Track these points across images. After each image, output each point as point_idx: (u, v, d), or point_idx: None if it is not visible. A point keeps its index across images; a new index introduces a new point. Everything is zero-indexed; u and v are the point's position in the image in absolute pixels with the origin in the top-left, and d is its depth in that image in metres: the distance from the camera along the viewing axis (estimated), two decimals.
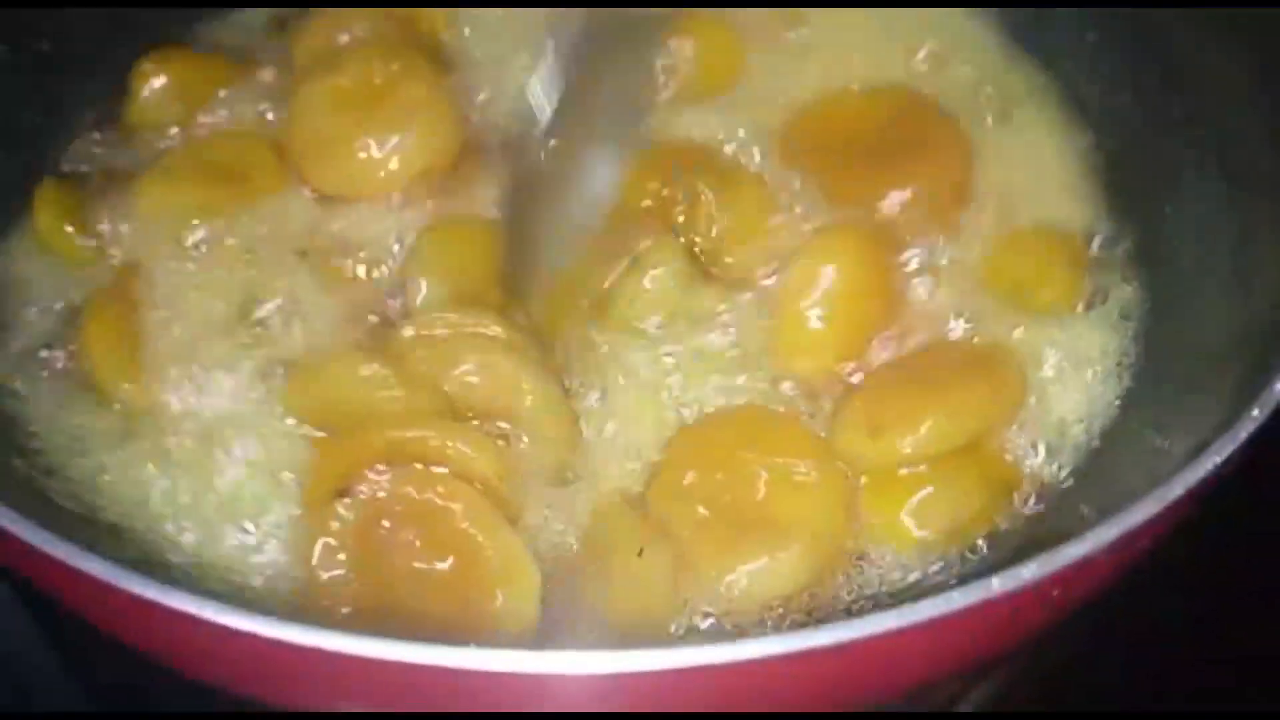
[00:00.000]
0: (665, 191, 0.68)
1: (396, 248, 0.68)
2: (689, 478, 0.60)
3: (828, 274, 0.64)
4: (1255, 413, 0.48)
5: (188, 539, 0.59)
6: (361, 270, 0.67)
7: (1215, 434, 0.48)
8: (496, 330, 0.61)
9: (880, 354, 0.64)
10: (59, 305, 0.68)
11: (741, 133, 0.73)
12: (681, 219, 0.67)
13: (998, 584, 0.42)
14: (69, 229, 0.70)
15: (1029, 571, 0.43)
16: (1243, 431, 0.48)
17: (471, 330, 0.61)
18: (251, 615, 0.41)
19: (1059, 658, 0.66)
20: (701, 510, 0.59)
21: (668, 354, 0.65)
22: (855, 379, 0.63)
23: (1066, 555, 0.43)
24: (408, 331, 0.61)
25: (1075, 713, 0.68)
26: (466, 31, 0.80)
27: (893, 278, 0.66)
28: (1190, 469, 0.47)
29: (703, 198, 0.67)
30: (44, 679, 0.72)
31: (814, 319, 0.64)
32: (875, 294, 0.65)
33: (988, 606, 0.42)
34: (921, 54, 0.78)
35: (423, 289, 0.65)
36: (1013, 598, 0.43)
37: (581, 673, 0.41)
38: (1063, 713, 0.68)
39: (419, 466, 0.57)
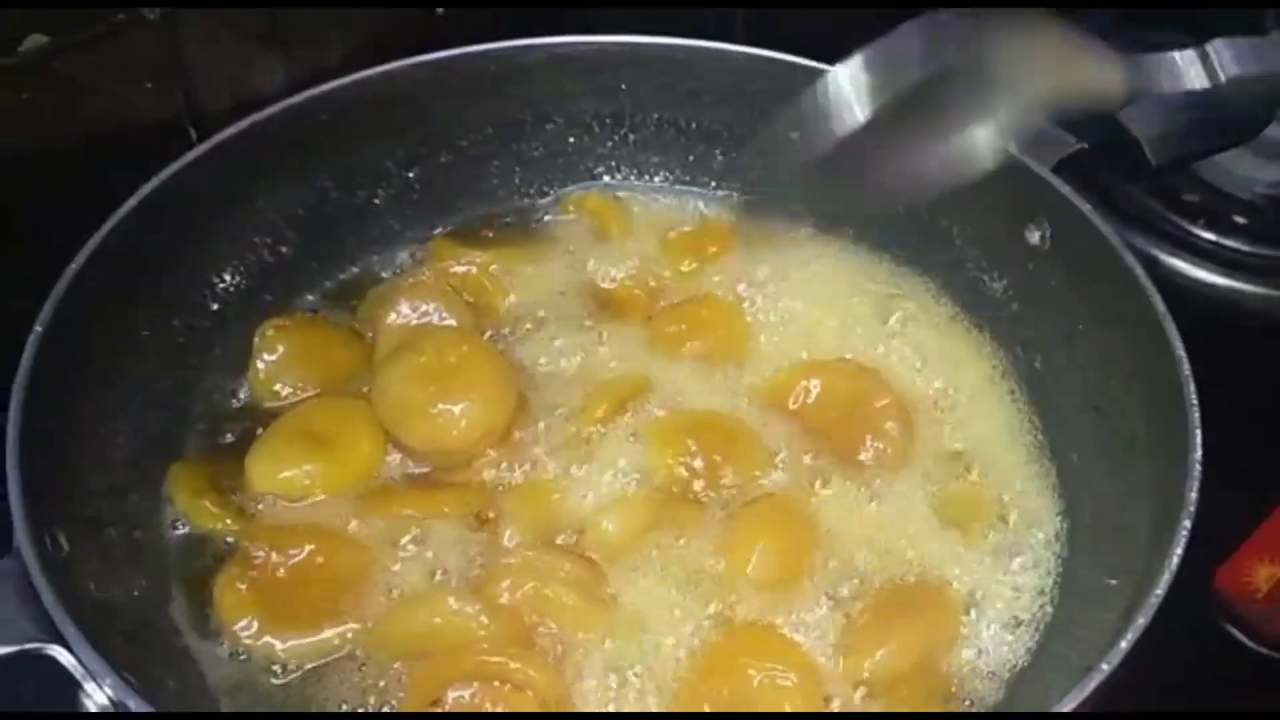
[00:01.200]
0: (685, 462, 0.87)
1: None
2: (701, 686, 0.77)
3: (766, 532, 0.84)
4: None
5: None
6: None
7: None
8: (567, 569, 0.79)
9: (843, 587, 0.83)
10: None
11: (741, 402, 0.93)
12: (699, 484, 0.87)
13: None
14: (202, 506, 0.84)
15: None
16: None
17: (547, 567, 0.79)
18: None
19: None
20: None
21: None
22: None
23: None
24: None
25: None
26: (512, 298, 1.02)
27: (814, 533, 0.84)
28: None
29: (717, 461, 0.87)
30: None
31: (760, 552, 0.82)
32: (794, 547, 0.84)
33: None
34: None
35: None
36: None
37: None
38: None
39: (495, 684, 0.74)
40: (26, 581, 0.65)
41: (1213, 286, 1.16)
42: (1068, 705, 0.61)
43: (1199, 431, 0.74)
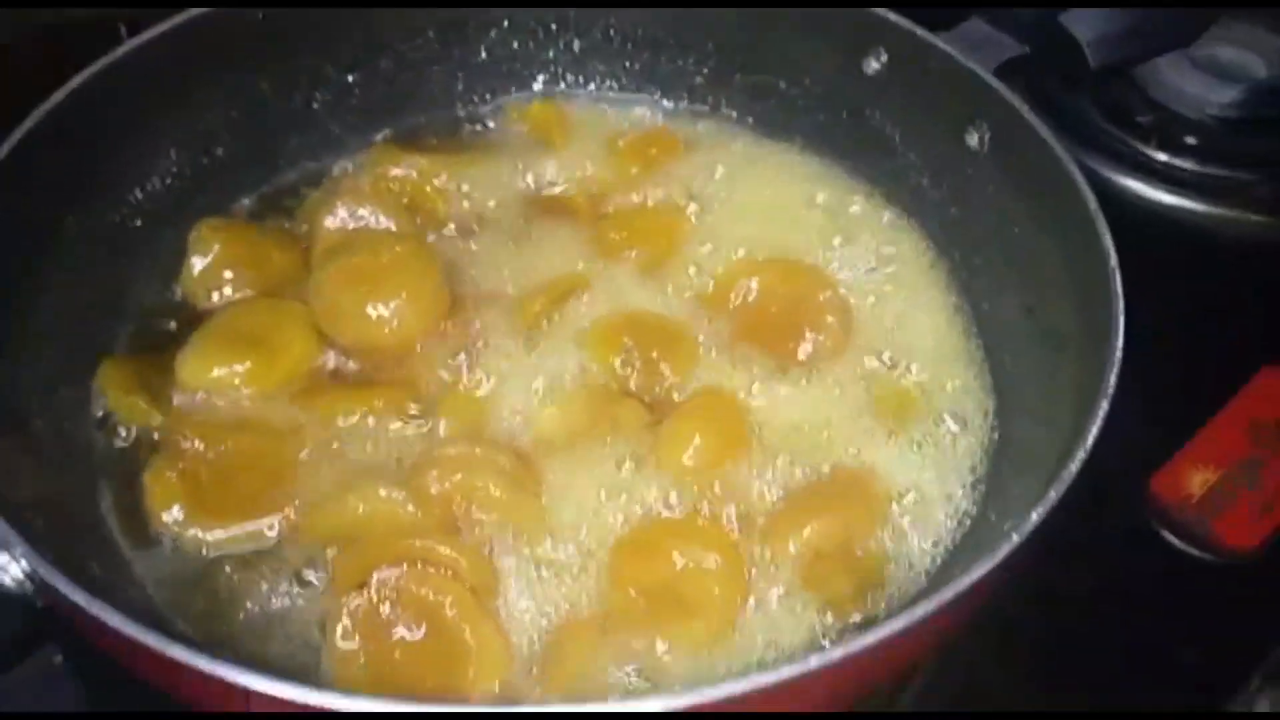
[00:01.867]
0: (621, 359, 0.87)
1: None
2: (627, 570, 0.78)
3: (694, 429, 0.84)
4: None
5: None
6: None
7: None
8: (496, 460, 0.80)
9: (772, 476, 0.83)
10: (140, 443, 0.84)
11: (680, 303, 0.92)
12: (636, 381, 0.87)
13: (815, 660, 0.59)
14: (132, 400, 0.84)
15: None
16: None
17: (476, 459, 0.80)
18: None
19: None
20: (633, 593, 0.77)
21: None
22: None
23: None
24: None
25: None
26: (453, 203, 1.01)
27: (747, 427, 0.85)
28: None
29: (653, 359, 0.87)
30: None
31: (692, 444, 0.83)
32: (730, 436, 0.84)
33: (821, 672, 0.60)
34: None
35: None
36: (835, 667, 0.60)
37: None
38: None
39: (420, 567, 0.74)
40: None
41: (1162, 205, 1.17)
42: (978, 573, 0.62)
43: (1122, 319, 0.74)
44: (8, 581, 0.63)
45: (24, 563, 0.62)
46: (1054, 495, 0.65)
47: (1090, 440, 0.68)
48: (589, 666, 0.74)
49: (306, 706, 0.55)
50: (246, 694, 0.56)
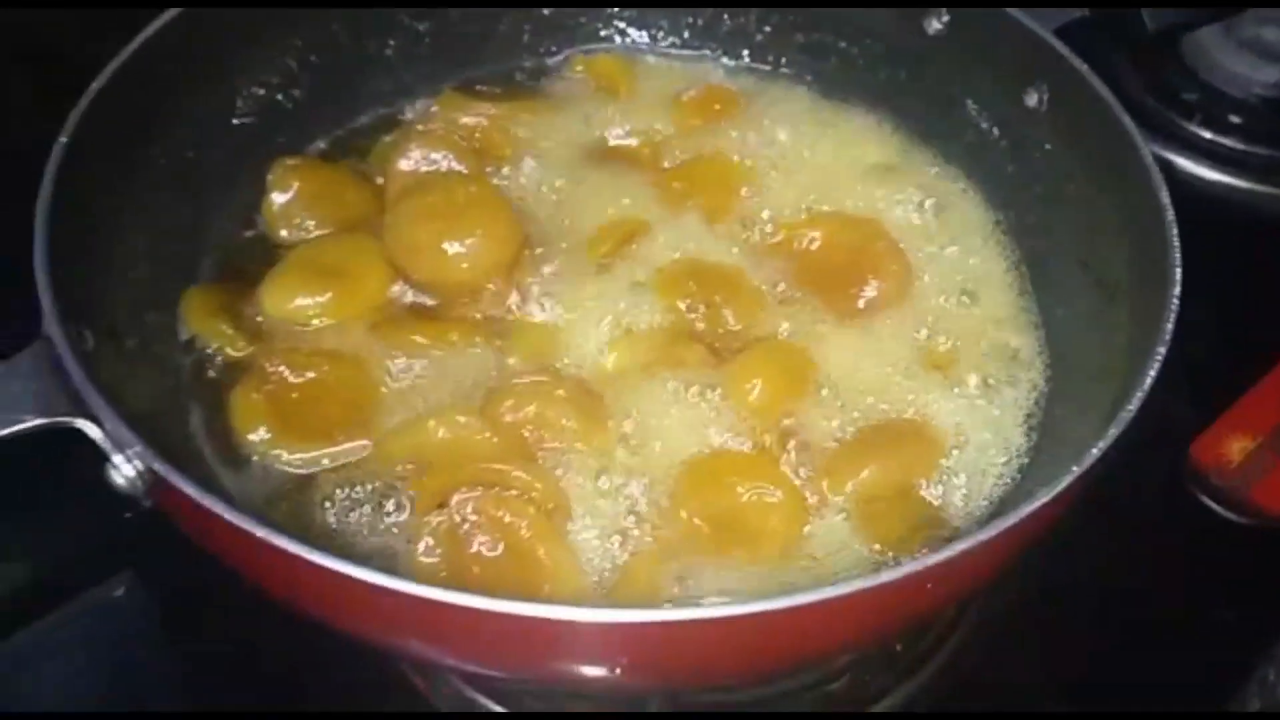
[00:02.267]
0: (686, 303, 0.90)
1: None
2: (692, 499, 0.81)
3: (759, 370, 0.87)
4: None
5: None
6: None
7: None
8: (567, 391, 0.83)
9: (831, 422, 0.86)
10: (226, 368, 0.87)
11: (742, 253, 0.95)
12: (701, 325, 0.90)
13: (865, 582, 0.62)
14: (217, 325, 0.87)
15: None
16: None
17: (549, 390, 0.83)
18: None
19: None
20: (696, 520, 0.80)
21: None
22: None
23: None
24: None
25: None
26: (519, 149, 1.04)
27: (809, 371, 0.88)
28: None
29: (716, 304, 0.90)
30: (161, 686, 0.89)
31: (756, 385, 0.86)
32: (794, 378, 0.88)
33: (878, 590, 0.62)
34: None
35: None
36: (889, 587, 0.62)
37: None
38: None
39: (498, 489, 0.78)
40: (57, 365, 0.68)
41: (1206, 181, 1.19)
42: (1039, 502, 0.65)
43: (1179, 269, 0.77)
44: (120, 480, 0.67)
45: (138, 463, 0.66)
46: (1114, 432, 0.68)
47: (1148, 382, 0.71)
48: (654, 586, 0.77)
49: (411, 595, 0.58)
50: (348, 582, 0.59)
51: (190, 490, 0.62)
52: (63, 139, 0.80)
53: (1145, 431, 0.71)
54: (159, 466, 0.64)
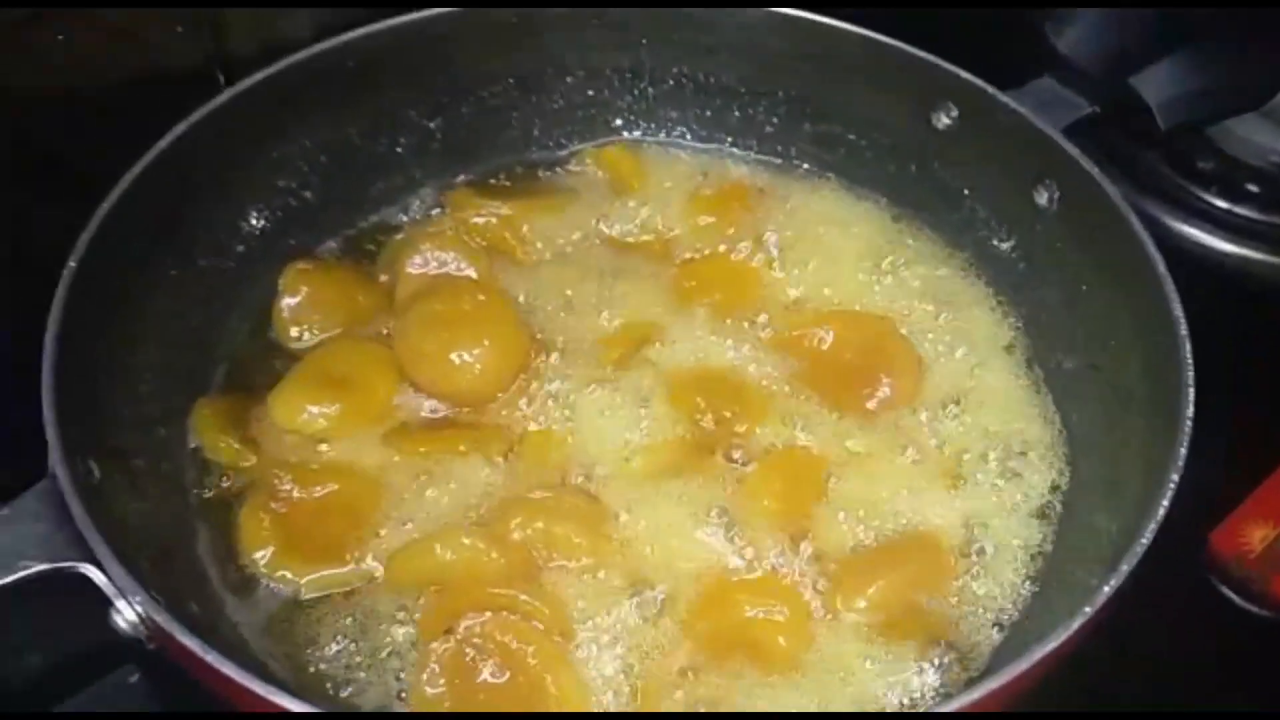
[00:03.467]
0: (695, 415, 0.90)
1: None
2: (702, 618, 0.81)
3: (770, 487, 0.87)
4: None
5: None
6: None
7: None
8: (576, 507, 0.83)
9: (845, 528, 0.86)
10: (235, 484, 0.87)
11: (753, 353, 0.95)
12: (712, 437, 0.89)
13: None
14: (225, 440, 0.87)
15: None
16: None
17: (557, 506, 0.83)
18: None
19: None
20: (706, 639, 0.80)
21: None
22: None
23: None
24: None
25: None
26: (530, 247, 1.04)
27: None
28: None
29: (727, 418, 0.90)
30: None
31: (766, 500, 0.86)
32: (805, 491, 0.87)
33: None
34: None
35: None
36: None
37: None
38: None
39: (505, 614, 0.77)
40: (61, 504, 0.69)
41: (1223, 253, 1.18)
42: (1051, 645, 0.64)
43: (1192, 390, 0.76)
44: (123, 624, 0.67)
45: (139, 609, 0.66)
46: (1125, 568, 0.67)
47: (1161, 512, 0.70)
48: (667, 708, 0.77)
49: None
50: None
51: (192, 644, 0.62)
52: (72, 263, 0.80)
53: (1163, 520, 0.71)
54: (161, 618, 0.64)
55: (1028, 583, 0.85)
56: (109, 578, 0.67)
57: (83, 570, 0.67)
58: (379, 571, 0.82)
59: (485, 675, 0.77)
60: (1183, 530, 0.94)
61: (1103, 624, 0.70)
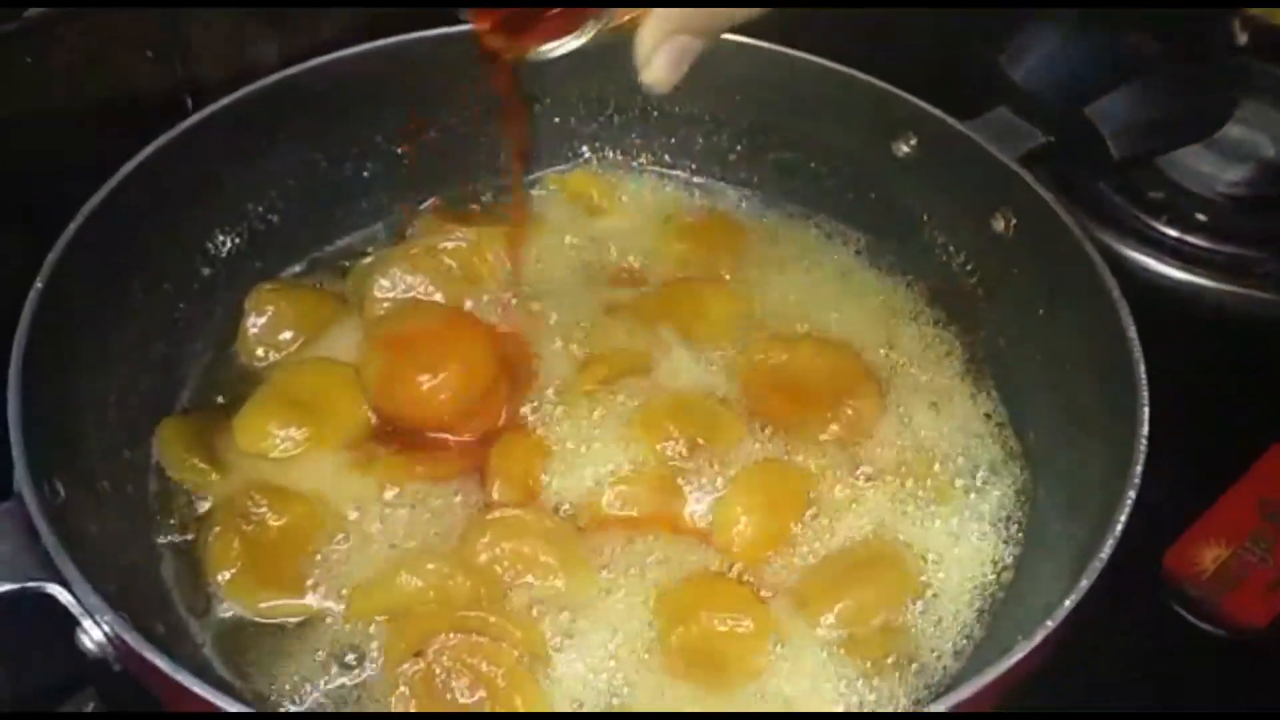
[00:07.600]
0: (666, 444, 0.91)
1: None
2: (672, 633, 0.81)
3: (746, 500, 0.88)
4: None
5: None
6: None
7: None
8: (544, 526, 0.84)
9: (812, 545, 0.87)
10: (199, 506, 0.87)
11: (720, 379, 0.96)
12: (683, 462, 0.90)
13: None
14: (190, 464, 0.87)
15: None
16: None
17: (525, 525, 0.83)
18: None
19: None
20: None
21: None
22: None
23: None
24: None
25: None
26: (497, 272, 1.04)
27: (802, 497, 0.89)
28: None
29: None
30: None
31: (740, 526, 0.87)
32: (785, 509, 0.88)
33: None
34: None
35: None
36: None
37: None
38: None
39: (474, 636, 0.77)
40: (27, 524, 0.68)
41: (1174, 280, 1.20)
42: (1014, 659, 0.65)
43: (1147, 409, 0.78)
44: (90, 645, 0.66)
45: (107, 628, 0.66)
46: (1085, 584, 0.68)
47: (1119, 528, 0.72)
48: None
49: None
50: None
51: (161, 663, 0.62)
52: (38, 284, 0.80)
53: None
54: (130, 637, 0.63)
55: (989, 600, 0.86)
56: (75, 597, 0.66)
57: (49, 590, 0.67)
58: (345, 592, 0.82)
59: (455, 696, 0.77)
60: (1139, 550, 0.97)
61: (1062, 642, 0.71)
